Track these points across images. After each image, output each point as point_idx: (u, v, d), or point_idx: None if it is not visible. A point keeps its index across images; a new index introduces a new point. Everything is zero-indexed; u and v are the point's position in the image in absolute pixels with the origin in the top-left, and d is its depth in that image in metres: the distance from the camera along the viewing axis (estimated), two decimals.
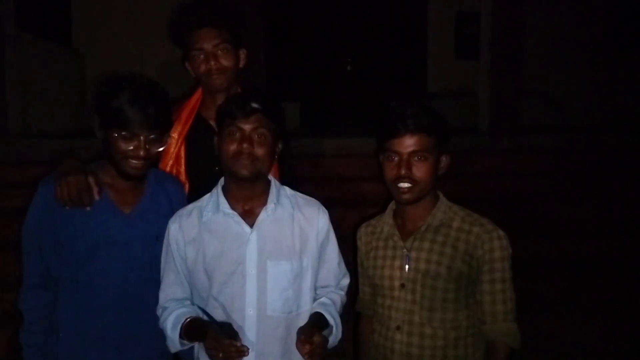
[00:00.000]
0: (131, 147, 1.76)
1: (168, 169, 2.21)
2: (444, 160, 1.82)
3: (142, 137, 1.76)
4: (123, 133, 1.75)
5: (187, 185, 2.22)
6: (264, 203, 1.81)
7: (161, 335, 1.83)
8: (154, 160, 1.86)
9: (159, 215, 1.90)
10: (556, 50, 7.01)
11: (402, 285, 1.80)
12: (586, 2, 7.12)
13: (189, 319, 1.75)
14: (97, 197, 1.80)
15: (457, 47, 7.28)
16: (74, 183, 1.77)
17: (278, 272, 1.75)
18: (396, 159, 1.76)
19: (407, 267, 1.80)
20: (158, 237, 1.88)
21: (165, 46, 5.39)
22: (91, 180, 1.81)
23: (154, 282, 1.87)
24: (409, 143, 1.74)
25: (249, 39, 4.69)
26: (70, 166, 1.83)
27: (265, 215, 1.79)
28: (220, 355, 1.55)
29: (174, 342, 1.76)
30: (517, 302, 1.78)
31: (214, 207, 1.81)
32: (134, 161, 1.78)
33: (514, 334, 1.74)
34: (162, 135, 1.83)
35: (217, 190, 1.85)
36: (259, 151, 1.74)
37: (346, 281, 1.94)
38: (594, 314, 3.42)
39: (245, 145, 1.73)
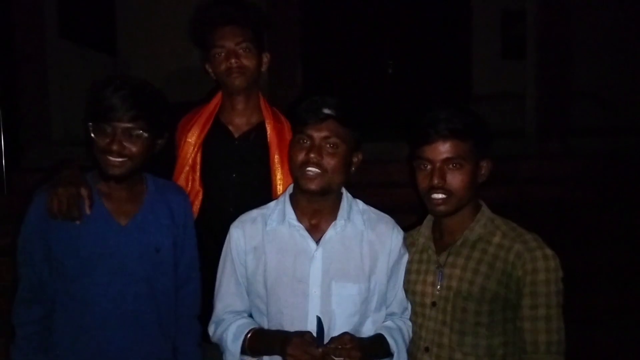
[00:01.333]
0: (107, 141, 1.67)
1: (183, 175, 2.13)
2: (485, 166, 1.66)
3: (118, 130, 1.67)
4: (99, 125, 1.67)
5: (200, 194, 2.13)
6: (334, 218, 1.68)
7: (155, 354, 1.77)
8: (138, 162, 1.74)
9: (159, 227, 1.81)
10: (608, 49, 6.70)
11: (434, 304, 1.65)
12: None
13: (253, 331, 1.65)
14: (88, 210, 1.71)
15: (504, 47, 7.05)
16: (64, 195, 1.68)
17: (344, 295, 1.63)
18: (429, 167, 1.62)
19: (439, 284, 1.65)
20: (158, 249, 1.79)
21: None
22: (83, 192, 1.71)
23: (152, 299, 1.78)
24: (441, 150, 1.59)
25: (286, 41, 4.67)
26: (65, 176, 1.75)
27: (333, 232, 1.67)
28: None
29: (235, 356, 1.66)
30: (567, 317, 1.58)
31: (280, 216, 1.70)
32: (110, 157, 1.68)
33: None
34: (144, 130, 1.71)
35: (285, 198, 1.74)
36: (330, 162, 1.61)
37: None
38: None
39: (312, 156, 1.60)
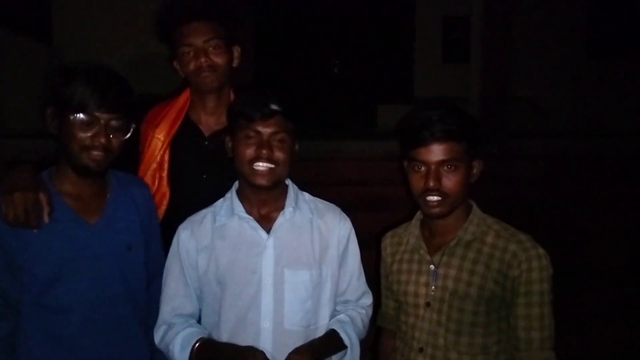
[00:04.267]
0: (90, 134, 1.57)
1: (150, 173, 2.05)
2: (477, 166, 1.67)
3: (102, 121, 1.58)
4: (81, 117, 1.56)
5: (167, 195, 2.06)
6: (281, 207, 1.69)
7: (141, 357, 1.70)
8: (115, 155, 1.65)
9: (128, 223, 1.72)
10: (541, 56, 7.04)
11: (428, 304, 1.65)
12: (570, 10, 7.16)
13: (201, 341, 1.61)
14: (46, 219, 1.57)
15: (445, 51, 7.26)
16: (20, 202, 1.53)
17: (296, 282, 1.64)
18: (423, 169, 1.61)
19: (433, 284, 1.65)
20: (130, 247, 1.70)
21: (149, 44, 5.29)
22: (42, 197, 1.57)
23: (129, 299, 1.70)
24: (436, 152, 1.57)
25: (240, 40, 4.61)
26: (19, 179, 1.59)
27: (282, 220, 1.67)
28: None
29: None
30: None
31: (228, 211, 1.68)
32: (94, 152, 1.58)
33: None
34: (124, 122, 1.63)
35: (232, 193, 1.72)
36: (279, 156, 1.62)
37: (367, 301, 1.81)
38: (591, 324, 3.37)
39: (264, 152, 1.60)
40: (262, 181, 1.62)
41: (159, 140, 2.07)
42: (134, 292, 1.72)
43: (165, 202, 2.07)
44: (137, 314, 1.74)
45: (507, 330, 1.61)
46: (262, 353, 1.52)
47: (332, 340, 1.66)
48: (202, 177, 2.07)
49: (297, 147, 1.72)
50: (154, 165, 2.07)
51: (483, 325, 1.59)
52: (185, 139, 2.10)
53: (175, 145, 2.09)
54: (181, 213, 1.98)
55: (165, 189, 2.07)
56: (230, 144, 1.70)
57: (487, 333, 1.60)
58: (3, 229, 1.55)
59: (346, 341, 1.67)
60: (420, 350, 1.65)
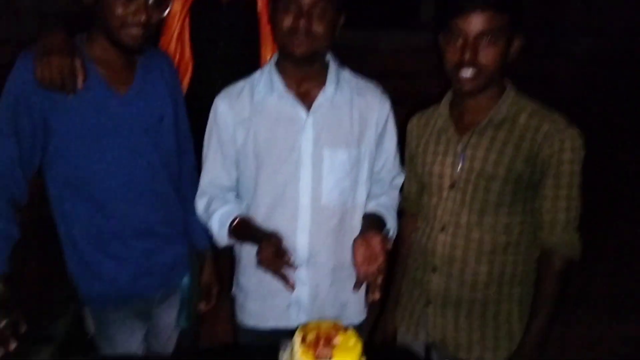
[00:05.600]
0: (130, 10, 1.50)
1: (173, 44, 2.01)
2: (517, 42, 1.55)
3: None
4: None
5: (190, 65, 2.03)
6: (322, 84, 1.62)
7: (177, 220, 1.78)
8: (153, 31, 1.60)
9: (158, 94, 1.70)
10: None
11: (452, 185, 1.62)
12: None
13: (237, 219, 1.64)
14: (80, 85, 1.53)
15: None
16: (56, 65, 1.47)
17: (335, 161, 1.62)
18: (460, 40, 1.49)
19: (460, 165, 1.61)
20: (162, 118, 1.69)
21: None
22: (77, 64, 1.52)
23: (163, 168, 1.72)
24: (476, 22, 1.46)
25: None
26: (55, 43, 1.52)
27: (323, 99, 1.62)
28: (271, 268, 1.51)
29: (224, 240, 1.69)
30: None
31: (267, 86, 1.63)
32: (134, 29, 1.53)
33: (575, 245, 1.54)
34: None
35: (270, 67, 1.66)
36: (318, 28, 1.51)
37: (400, 180, 1.82)
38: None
39: (302, 22, 1.49)
40: (298, 50, 1.53)
41: (178, 4, 2.00)
42: (167, 162, 1.74)
43: (190, 70, 2.03)
44: (172, 181, 1.77)
45: (531, 211, 1.58)
46: (278, 238, 1.53)
47: (380, 224, 1.69)
48: (220, 44, 2.01)
49: (342, 18, 1.60)
50: (176, 33, 2.01)
51: (508, 205, 1.56)
52: (203, 6, 2.03)
53: (194, 13, 2.02)
54: (200, 85, 1.97)
55: (188, 56, 2.02)
56: (271, 14, 1.61)
57: (512, 212, 1.57)
58: (31, 90, 1.51)
59: (389, 226, 1.71)
60: (442, 229, 1.65)
